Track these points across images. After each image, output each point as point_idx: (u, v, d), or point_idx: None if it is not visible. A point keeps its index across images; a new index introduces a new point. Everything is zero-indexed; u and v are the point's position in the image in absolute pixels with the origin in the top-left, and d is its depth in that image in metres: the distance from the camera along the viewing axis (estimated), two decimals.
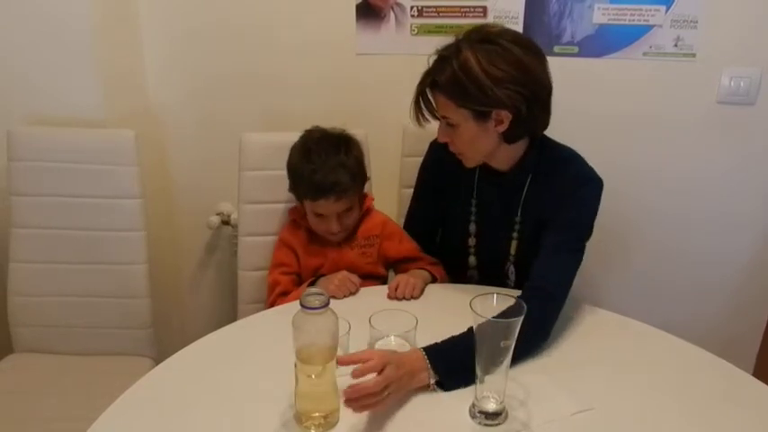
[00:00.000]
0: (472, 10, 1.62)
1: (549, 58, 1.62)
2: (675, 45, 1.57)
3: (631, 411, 0.90)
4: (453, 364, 0.94)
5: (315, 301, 0.82)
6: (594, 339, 1.09)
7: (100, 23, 1.55)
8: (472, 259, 1.37)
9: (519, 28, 1.61)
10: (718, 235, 1.71)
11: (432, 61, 1.15)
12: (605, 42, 1.59)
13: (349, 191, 1.27)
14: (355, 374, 0.87)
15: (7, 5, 1.47)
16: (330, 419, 0.88)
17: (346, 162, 1.27)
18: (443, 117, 1.16)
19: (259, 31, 1.69)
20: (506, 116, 1.11)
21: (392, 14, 1.65)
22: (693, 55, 1.57)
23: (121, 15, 1.65)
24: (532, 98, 1.10)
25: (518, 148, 1.21)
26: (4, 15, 1.48)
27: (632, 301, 1.75)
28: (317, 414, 0.87)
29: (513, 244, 1.29)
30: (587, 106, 1.66)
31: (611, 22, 1.57)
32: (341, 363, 0.89)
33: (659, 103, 1.63)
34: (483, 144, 1.17)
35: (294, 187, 1.32)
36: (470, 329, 0.90)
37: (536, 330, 1.02)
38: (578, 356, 1.04)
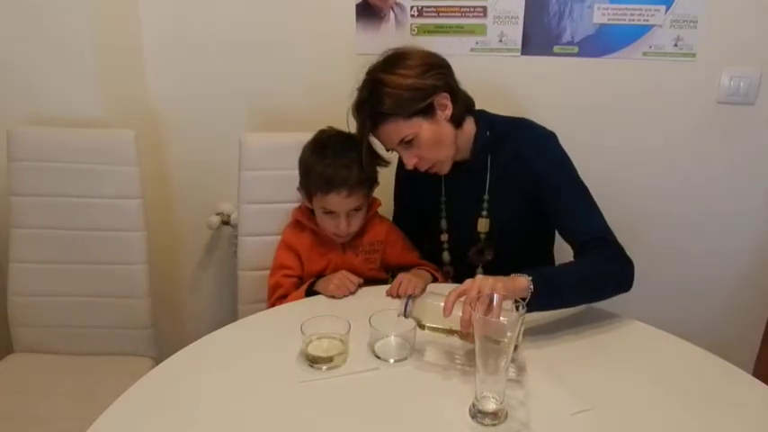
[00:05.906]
0: (472, 10, 1.62)
1: (548, 58, 1.65)
2: (675, 45, 1.57)
3: (631, 411, 0.90)
4: (552, 278, 1.06)
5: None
6: (594, 339, 1.09)
7: (100, 24, 1.55)
8: (445, 255, 1.41)
9: (519, 28, 1.61)
10: (717, 235, 1.71)
11: (356, 110, 1.23)
12: (605, 42, 1.59)
13: (360, 187, 1.27)
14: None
15: (7, 6, 1.48)
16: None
17: (359, 160, 1.27)
18: (400, 143, 1.21)
19: (259, 31, 1.69)
20: (445, 97, 1.21)
21: (392, 14, 1.65)
22: (693, 55, 1.57)
23: (121, 16, 1.65)
24: (450, 73, 1.24)
25: (469, 131, 1.29)
26: (3, 16, 1.48)
27: (633, 301, 1.74)
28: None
29: (482, 222, 1.33)
30: (587, 106, 1.66)
31: (610, 22, 1.57)
32: (446, 310, 0.96)
33: (659, 103, 1.63)
34: (445, 138, 1.23)
35: (305, 182, 1.32)
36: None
37: (620, 283, 1.16)
38: (578, 356, 1.04)
